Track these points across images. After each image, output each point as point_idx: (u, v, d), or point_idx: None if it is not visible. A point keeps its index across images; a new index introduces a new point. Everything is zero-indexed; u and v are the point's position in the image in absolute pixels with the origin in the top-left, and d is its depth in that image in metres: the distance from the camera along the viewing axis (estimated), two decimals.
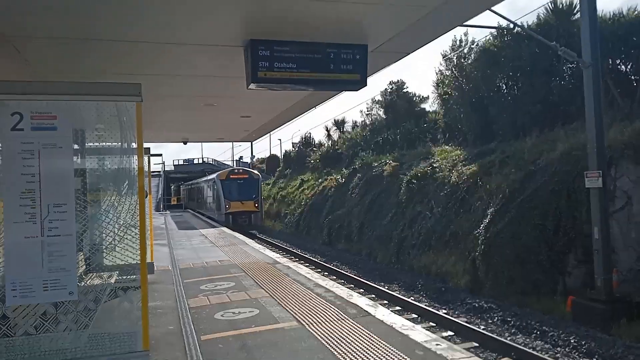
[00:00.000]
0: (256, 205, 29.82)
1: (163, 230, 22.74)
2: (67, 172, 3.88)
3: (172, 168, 72.57)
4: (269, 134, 39.35)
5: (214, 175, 33.42)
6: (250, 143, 50.33)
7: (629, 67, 14.91)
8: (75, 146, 4.12)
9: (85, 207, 4.07)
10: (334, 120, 41.95)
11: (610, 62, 14.63)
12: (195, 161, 74.77)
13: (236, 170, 32.66)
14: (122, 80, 4.33)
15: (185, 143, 19.39)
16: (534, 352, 8.54)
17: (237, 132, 16.09)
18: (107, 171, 4.44)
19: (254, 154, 57.58)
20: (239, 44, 6.23)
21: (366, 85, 6.62)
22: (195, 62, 7.24)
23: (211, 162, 72.88)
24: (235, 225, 27.28)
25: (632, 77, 14.85)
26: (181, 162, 75.78)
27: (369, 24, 5.92)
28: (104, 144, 4.30)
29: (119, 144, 4.23)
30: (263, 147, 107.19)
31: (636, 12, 14.88)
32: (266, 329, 6.19)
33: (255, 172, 33.18)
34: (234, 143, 63.18)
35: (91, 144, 4.41)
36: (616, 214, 10.60)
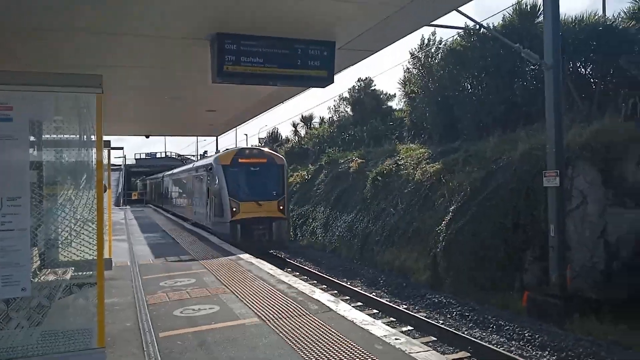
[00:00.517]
0: (281, 207, 18.29)
1: (123, 225, 22.30)
2: (22, 164, 3.77)
3: (134, 162, 71.15)
4: (234, 129, 38.98)
5: (210, 160, 21.11)
6: (215, 138, 49.73)
7: (589, 70, 15.40)
8: (32, 138, 4.00)
9: (40, 201, 3.96)
10: (302, 116, 41.92)
11: (572, 65, 15.08)
12: (158, 155, 73.53)
13: (248, 152, 19.85)
14: (82, 72, 4.22)
15: (147, 137, 19.03)
16: (490, 346, 8.79)
17: (202, 127, 15.87)
18: (64, 164, 4.32)
19: (219, 149, 57.00)
20: (205, 37, 6.14)
21: (333, 82, 6.62)
22: (160, 54, 7.10)
23: (174, 157, 71.68)
24: (247, 240, 16.97)
25: (592, 80, 15.34)
26: (143, 156, 74.43)
27: (337, 20, 5.93)
28: (62, 136, 4.19)
29: (78, 136, 4.13)
30: (229, 142, 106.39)
31: (596, 17, 15.36)
32: (226, 325, 6.17)
33: (277, 154, 21.25)
34: (199, 137, 62.31)
35: (48, 136, 4.28)
36: (572, 212, 10.95)
